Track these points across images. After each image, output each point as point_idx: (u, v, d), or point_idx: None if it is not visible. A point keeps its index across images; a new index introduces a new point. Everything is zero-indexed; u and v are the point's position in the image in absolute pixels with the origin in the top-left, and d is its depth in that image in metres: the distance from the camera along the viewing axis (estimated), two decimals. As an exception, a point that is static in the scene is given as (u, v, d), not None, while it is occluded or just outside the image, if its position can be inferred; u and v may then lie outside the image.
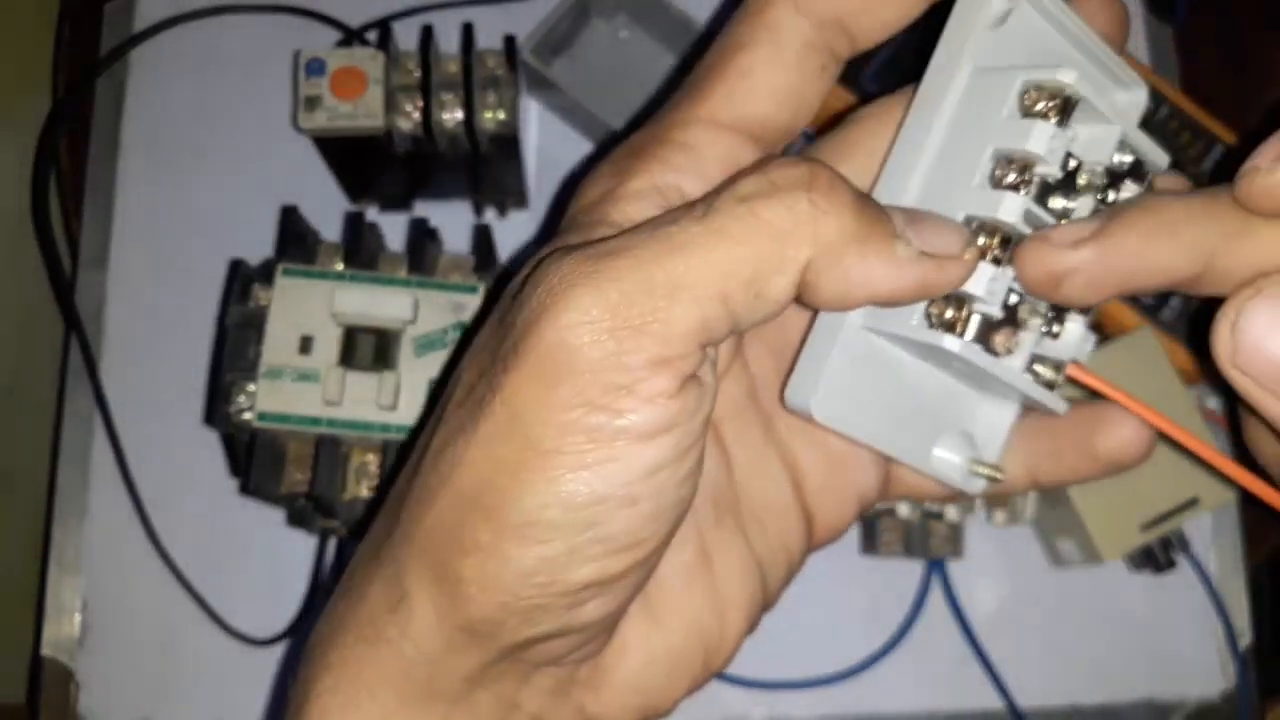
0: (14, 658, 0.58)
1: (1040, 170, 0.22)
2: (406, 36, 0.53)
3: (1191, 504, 0.51)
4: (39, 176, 0.57)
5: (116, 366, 0.56)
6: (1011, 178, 0.22)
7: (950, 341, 0.22)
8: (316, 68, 0.48)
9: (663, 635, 0.24)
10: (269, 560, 0.54)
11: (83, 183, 0.59)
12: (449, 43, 0.51)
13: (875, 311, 0.23)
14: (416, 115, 0.50)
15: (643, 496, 0.20)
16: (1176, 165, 0.57)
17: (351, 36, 0.59)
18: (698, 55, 0.24)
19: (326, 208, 0.51)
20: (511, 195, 0.58)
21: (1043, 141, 0.22)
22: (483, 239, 0.48)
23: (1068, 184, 0.23)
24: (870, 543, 0.54)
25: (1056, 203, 0.23)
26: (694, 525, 0.24)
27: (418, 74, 0.50)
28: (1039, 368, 0.24)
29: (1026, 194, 0.22)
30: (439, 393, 0.43)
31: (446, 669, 0.22)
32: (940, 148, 0.24)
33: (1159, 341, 0.53)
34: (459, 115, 0.50)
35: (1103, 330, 0.56)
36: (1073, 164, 0.23)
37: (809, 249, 0.20)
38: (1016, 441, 0.27)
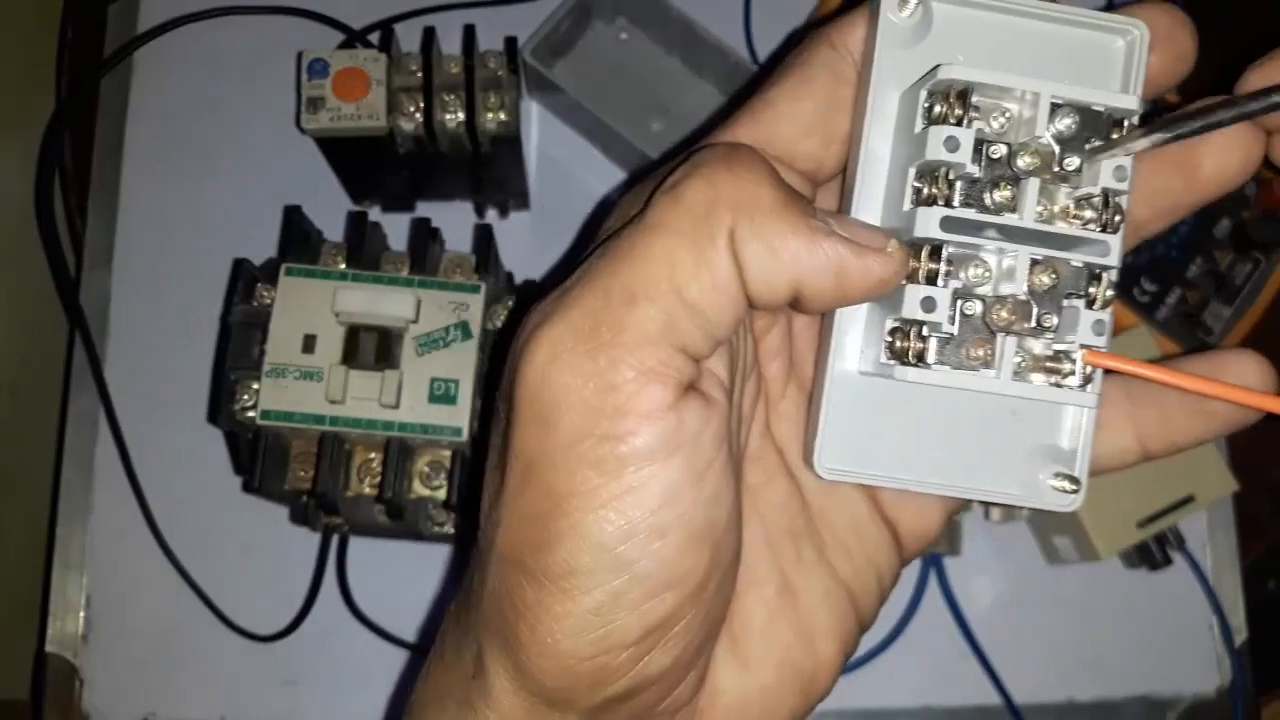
0: (19, 655, 0.58)
1: (956, 174, 0.22)
2: (408, 38, 0.54)
3: (1187, 501, 0.51)
4: (43, 177, 0.58)
5: (121, 365, 0.57)
6: (926, 191, 0.22)
7: (901, 371, 0.22)
8: (319, 69, 0.48)
9: (754, 675, 0.23)
10: (272, 557, 0.55)
11: (87, 183, 0.60)
12: (451, 44, 0.52)
13: (866, 355, 0.23)
14: (418, 116, 0.50)
15: (669, 526, 0.20)
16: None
17: (354, 38, 0.59)
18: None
19: (329, 208, 0.51)
20: (513, 195, 0.58)
21: (937, 145, 0.21)
22: (484, 239, 0.48)
23: (1007, 172, 0.22)
24: (868, 540, 0.54)
25: (1001, 194, 0.22)
26: (773, 560, 0.24)
27: (420, 75, 0.50)
28: (1052, 365, 0.22)
29: (946, 202, 0.21)
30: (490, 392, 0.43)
31: None
32: (887, 178, 0.23)
33: (1155, 340, 0.53)
34: (460, 116, 0.50)
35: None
36: (999, 151, 0.22)
37: (729, 215, 0.20)
38: (1123, 414, 0.24)
